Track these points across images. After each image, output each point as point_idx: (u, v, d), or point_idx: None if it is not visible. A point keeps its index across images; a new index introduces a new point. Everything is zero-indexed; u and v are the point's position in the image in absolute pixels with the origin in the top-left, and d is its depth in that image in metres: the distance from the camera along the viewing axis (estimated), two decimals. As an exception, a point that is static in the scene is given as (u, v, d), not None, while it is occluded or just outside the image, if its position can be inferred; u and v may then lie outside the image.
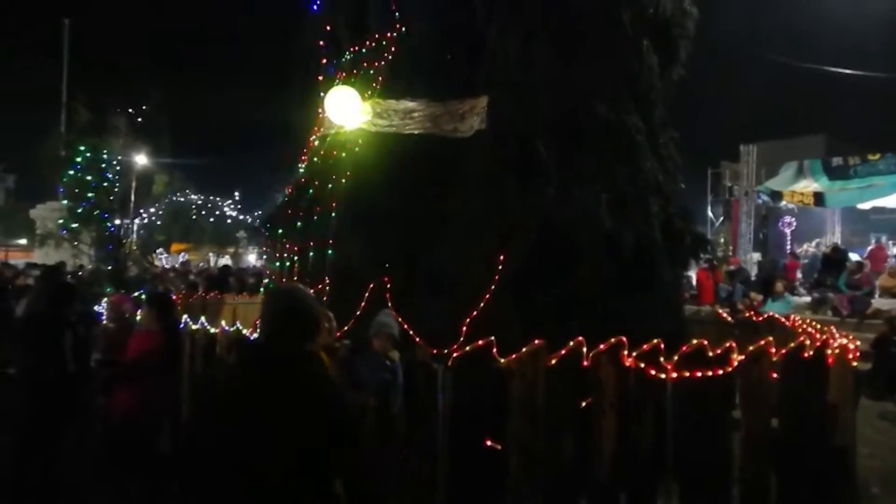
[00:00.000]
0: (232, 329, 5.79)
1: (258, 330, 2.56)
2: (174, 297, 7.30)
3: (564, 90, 6.86)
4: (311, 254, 7.57)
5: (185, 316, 6.27)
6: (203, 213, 27.71)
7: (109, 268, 16.36)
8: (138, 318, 6.17)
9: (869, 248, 18.38)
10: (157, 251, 26.03)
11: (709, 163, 24.77)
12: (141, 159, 19.33)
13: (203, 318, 6.21)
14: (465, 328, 6.19)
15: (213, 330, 5.83)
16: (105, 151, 16.82)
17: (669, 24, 7.80)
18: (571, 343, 4.91)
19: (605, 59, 7.11)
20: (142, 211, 21.47)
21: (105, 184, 16.73)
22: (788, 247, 20.08)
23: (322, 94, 7.72)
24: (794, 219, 20.60)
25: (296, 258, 7.88)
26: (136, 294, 7.46)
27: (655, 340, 5.18)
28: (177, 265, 25.17)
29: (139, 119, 17.56)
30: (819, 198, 17.68)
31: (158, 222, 22.92)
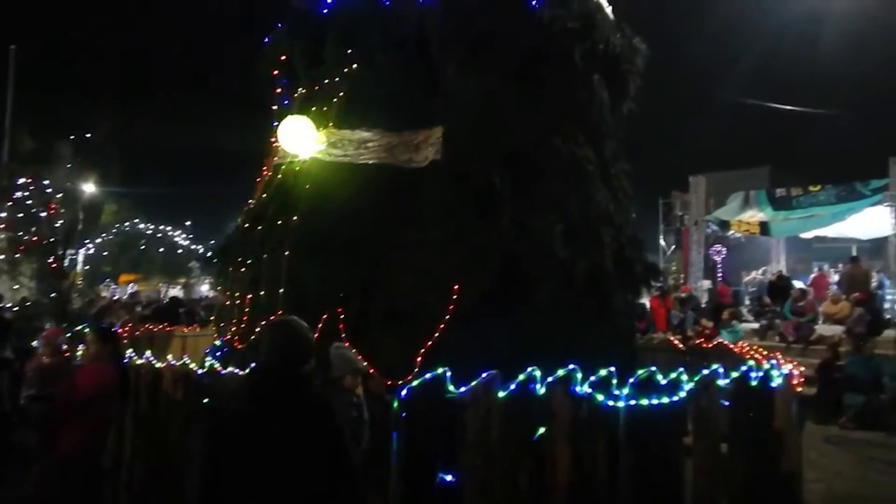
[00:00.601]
0: (179, 363, 5.61)
1: (261, 356, 2.85)
2: (119, 331, 7.07)
3: (518, 122, 6.99)
4: (264, 284, 7.44)
5: (129, 350, 6.05)
6: (153, 242, 27.04)
7: (52, 297, 15.76)
8: (79, 352, 5.94)
9: (812, 275, 19.05)
10: (105, 282, 25.22)
11: (660, 192, 25.44)
12: (88, 188, 18.82)
13: (149, 353, 6.00)
14: (420, 359, 6.14)
15: (159, 364, 5.64)
16: (49, 180, 16.31)
17: (619, 61, 8.05)
18: (525, 373, 4.91)
19: (557, 94, 7.28)
20: (87, 241, 20.80)
21: (49, 213, 16.18)
22: (720, 274, 20.60)
23: (277, 123, 7.69)
24: (723, 247, 21.18)
25: (248, 289, 7.74)
26: (78, 328, 7.18)
27: (608, 369, 5.24)
28: (125, 296, 24.44)
29: (87, 147, 17.11)
30: (764, 227, 18.28)
31: (105, 252, 22.19)
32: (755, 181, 23.19)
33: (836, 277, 18.29)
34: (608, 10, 8.65)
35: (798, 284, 16.43)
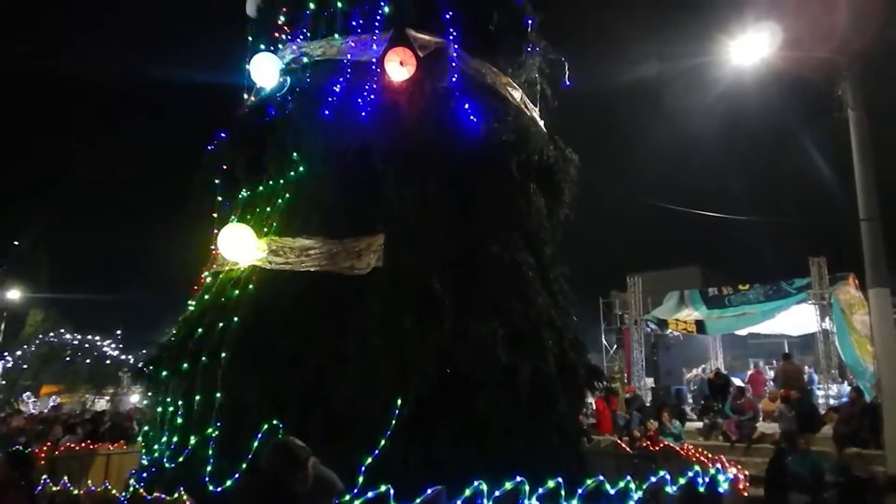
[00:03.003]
0: (99, 489, 5.18)
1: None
2: (36, 451, 6.54)
3: (459, 230, 7.13)
4: (199, 397, 7.09)
5: (44, 476, 5.56)
6: (79, 353, 25.53)
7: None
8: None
9: (749, 372, 19.50)
10: (24, 395, 23.53)
11: (600, 292, 26.04)
12: (13, 295, 17.91)
13: (66, 478, 5.51)
14: (363, 473, 5.87)
15: (76, 490, 5.19)
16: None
17: (553, 170, 8.46)
18: (471, 488, 4.75)
19: (495, 202, 7.53)
20: (6, 354, 19.51)
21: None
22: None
23: (217, 230, 7.61)
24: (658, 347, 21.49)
25: (180, 402, 7.34)
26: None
27: (557, 479, 5.12)
28: (46, 409, 22.83)
29: (14, 253, 16.45)
30: (700, 325, 18.82)
31: (25, 366, 20.72)
32: (688, 279, 24.11)
33: (772, 374, 18.77)
34: (541, 123, 9.18)
35: (736, 381, 16.75)
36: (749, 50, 11.40)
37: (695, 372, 22.35)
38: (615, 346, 25.76)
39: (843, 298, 15.47)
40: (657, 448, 9.14)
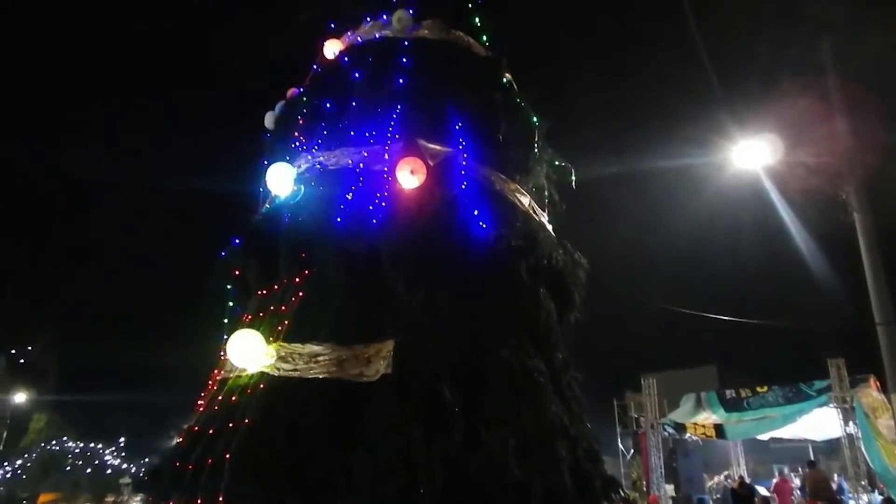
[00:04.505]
0: None
1: None
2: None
3: (468, 335, 7.08)
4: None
5: None
6: (80, 462, 24.79)
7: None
8: None
9: (774, 480, 18.65)
10: (22, 504, 22.73)
11: (614, 393, 25.39)
12: (19, 398, 17.72)
13: None
14: None
15: None
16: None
17: (562, 275, 8.49)
18: None
19: (506, 307, 7.52)
20: (6, 464, 19.03)
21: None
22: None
23: (227, 336, 7.61)
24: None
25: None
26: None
27: None
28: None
29: (24, 357, 16.43)
30: (719, 430, 18.16)
31: (24, 476, 20.10)
32: (704, 380, 23.54)
33: (797, 482, 17.94)
34: (549, 228, 9.32)
35: (761, 490, 16.00)
36: (752, 157, 11.73)
37: (717, 479, 21.40)
38: (632, 450, 24.82)
39: (865, 402, 14.96)
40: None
